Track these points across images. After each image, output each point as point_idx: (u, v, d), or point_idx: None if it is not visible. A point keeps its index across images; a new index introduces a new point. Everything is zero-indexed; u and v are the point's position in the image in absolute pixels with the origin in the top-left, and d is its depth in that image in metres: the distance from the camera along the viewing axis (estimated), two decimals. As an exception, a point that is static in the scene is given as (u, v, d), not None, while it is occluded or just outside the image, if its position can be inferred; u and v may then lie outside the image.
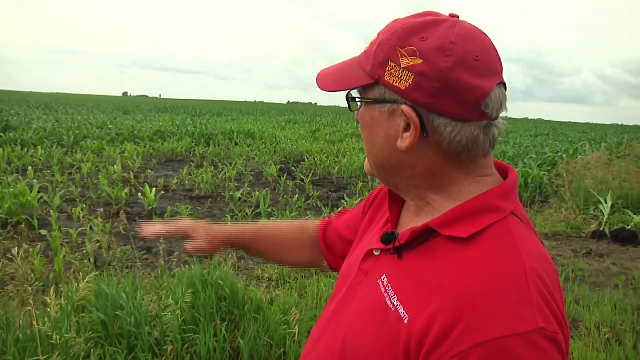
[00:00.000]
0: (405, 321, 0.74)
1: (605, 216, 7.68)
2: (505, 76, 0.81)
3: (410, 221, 0.88)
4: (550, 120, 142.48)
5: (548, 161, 13.33)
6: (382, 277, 0.83)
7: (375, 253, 0.88)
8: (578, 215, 8.13)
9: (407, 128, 0.79)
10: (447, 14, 0.80)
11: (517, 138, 25.12)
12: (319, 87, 0.89)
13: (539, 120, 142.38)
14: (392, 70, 0.77)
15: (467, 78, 0.74)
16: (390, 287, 0.80)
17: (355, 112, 0.88)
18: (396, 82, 0.77)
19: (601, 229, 7.34)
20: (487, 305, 0.68)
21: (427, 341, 0.69)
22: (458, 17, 0.81)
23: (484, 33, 0.80)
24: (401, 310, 0.76)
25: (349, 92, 0.87)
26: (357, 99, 0.86)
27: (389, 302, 0.79)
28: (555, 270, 0.78)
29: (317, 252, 1.28)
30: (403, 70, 0.76)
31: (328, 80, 0.88)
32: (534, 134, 32.06)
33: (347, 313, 0.89)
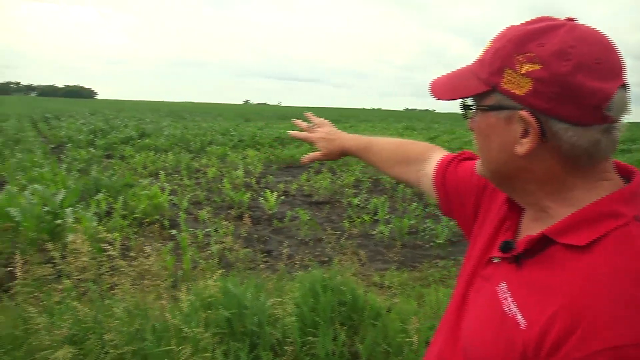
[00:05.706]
0: (522, 327, 0.75)
1: None
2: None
3: (529, 228, 0.87)
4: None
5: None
6: (501, 284, 0.84)
7: (495, 261, 0.89)
8: None
9: (525, 134, 0.79)
10: (564, 19, 0.80)
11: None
12: (434, 96, 0.91)
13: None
14: (510, 77, 0.78)
15: (588, 82, 0.73)
16: (509, 295, 0.81)
17: (470, 119, 0.89)
18: (514, 89, 0.78)
19: None
20: (607, 311, 0.67)
21: (545, 346, 0.70)
22: (575, 20, 0.79)
23: (604, 35, 0.78)
24: (519, 316, 0.77)
25: (464, 100, 0.88)
26: (473, 107, 0.87)
27: (506, 309, 0.80)
28: None
29: (428, 184, 1.24)
30: (521, 77, 0.76)
31: (443, 90, 0.90)
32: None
33: (467, 319, 0.91)
